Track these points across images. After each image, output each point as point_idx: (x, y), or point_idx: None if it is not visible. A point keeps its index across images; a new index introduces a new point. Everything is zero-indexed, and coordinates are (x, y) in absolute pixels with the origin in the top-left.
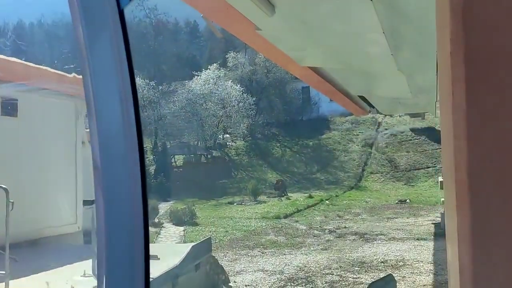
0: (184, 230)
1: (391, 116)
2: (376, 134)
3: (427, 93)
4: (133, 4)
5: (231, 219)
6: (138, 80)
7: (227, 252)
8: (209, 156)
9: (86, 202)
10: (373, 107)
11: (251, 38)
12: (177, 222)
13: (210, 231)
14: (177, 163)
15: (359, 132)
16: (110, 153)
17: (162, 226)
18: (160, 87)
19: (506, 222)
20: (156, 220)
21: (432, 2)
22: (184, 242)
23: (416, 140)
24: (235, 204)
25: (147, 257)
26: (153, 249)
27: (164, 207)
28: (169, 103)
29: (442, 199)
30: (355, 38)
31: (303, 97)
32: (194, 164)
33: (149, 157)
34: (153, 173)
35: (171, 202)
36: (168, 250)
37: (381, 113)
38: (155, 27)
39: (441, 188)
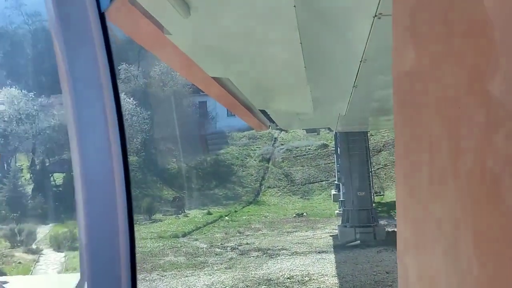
0: (65, 257)
1: (286, 131)
2: (272, 149)
3: (329, 108)
4: (10, 9)
5: None
6: (14, 91)
7: None
8: None
9: None
10: (273, 122)
11: (156, 43)
12: (58, 247)
13: None
14: (56, 182)
15: (256, 147)
16: (91, 160)
17: (41, 253)
18: (39, 99)
19: None
20: (34, 246)
21: (353, 15)
22: (66, 269)
23: (310, 155)
24: None
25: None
26: (35, 282)
27: (42, 231)
28: (48, 116)
29: (336, 211)
30: (271, 46)
31: (200, 112)
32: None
33: (25, 176)
34: (30, 193)
35: (50, 225)
36: (55, 282)
37: (281, 129)
38: (33, 35)
39: (334, 200)
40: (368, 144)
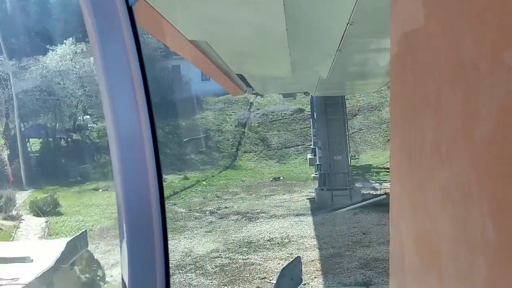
0: (47, 222)
1: (262, 96)
2: (248, 114)
3: (309, 71)
4: None
5: (99, 206)
6: None
7: (98, 243)
8: (69, 139)
9: None
10: (250, 86)
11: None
12: (38, 213)
13: (77, 221)
14: (33, 147)
15: (232, 112)
16: (127, 146)
17: (21, 219)
18: (11, 63)
19: None
20: (14, 213)
21: None
22: (49, 234)
23: (286, 120)
24: (101, 190)
25: (166, 250)
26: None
27: (21, 197)
28: (20, 80)
29: (312, 175)
30: (252, 8)
31: (173, 77)
32: (53, 148)
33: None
34: (6, 159)
35: (29, 191)
36: (40, 249)
37: (257, 93)
38: None
39: (310, 164)
40: (345, 109)
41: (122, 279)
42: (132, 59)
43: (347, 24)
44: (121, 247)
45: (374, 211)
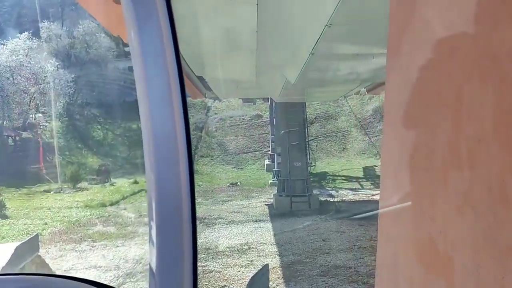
0: None
1: (220, 101)
2: (206, 118)
3: (275, 76)
4: None
5: (49, 209)
6: None
7: (49, 248)
8: (17, 138)
9: None
10: (210, 90)
11: None
12: None
13: (25, 224)
14: None
15: (190, 116)
16: (160, 141)
17: None
18: None
19: None
20: None
21: None
22: None
23: (244, 125)
24: (52, 192)
25: (195, 249)
26: None
27: None
28: None
29: (270, 181)
30: (224, 5)
31: (126, 77)
32: (0, 147)
33: None
34: None
35: None
36: None
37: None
38: None
39: (267, 170)
40: (306, 115)
41: (150, 267)
42: (169, 50)
43: (325, 26)
44: (150, 238)
45: (332, 218)
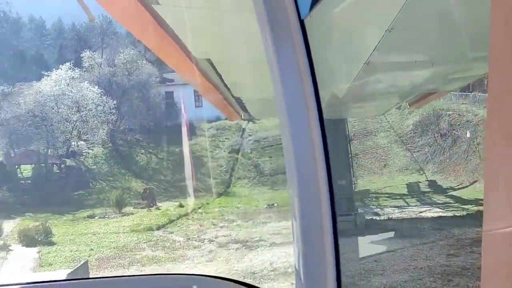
0: (39, 252)
1: (253, 122)
2: (241, 140)
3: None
4: None
5: (95, 234)
6: None
7: (97, 274)
8: (62, 166)
9: None
10: (247, 111)
11: (137, 16)
12: (29, 242)
13: (72, 251)
14: (23, 174)
15: (225, 139)
16: (300, 154)
17: (9, 249)
18: (1, 87)
19: None
20: (1, 242)
21: None
22: (41, 266)
23: (278, 145)
24: (96, 217)
25: (337, 252)
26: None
27: (9, 226)
28: (12, 105)
29: None
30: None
31: (167, 102)
32: (45, 174)
33: None
34: None
35: (18, 219)
36: None
37: (249, 119)
38: None
39: None
40: (348, 132)
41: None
42: (304, 70)
43: (386, 30)
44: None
45: (380, 237)
